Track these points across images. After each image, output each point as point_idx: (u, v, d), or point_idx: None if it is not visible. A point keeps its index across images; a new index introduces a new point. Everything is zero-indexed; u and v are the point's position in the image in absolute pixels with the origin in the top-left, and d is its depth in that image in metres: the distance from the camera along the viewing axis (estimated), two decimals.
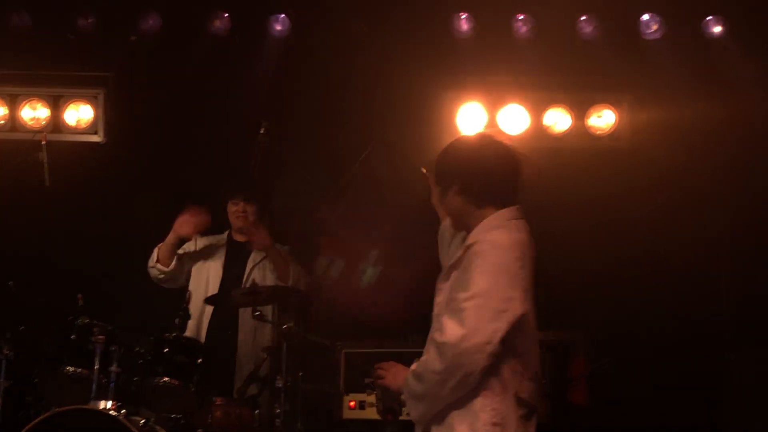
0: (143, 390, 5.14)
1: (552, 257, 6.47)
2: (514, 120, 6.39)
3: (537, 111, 6.40)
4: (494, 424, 3.21)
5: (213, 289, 5.93)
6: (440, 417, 3.27)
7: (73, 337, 5.12)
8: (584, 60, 6.31)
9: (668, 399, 6.21)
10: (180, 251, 5.98)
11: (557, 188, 6.50)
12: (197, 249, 6.06)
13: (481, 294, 3.20)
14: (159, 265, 5.90)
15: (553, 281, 6.47)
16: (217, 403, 5.28)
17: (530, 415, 3.30)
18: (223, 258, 6.02)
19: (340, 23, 6.42)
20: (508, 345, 3.21)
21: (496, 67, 6.40)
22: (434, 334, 3.27)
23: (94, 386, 4.98)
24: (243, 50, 6.53)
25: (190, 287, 5.90)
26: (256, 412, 5.36)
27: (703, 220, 6.47)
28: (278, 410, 5.25)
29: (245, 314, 5.80)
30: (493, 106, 6.41)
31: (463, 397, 3.23)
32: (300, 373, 5.55)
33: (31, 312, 5.66)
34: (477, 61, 6.37)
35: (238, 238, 6.07)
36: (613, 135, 6.35)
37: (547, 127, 6.40)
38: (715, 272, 6.56)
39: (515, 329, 3.20)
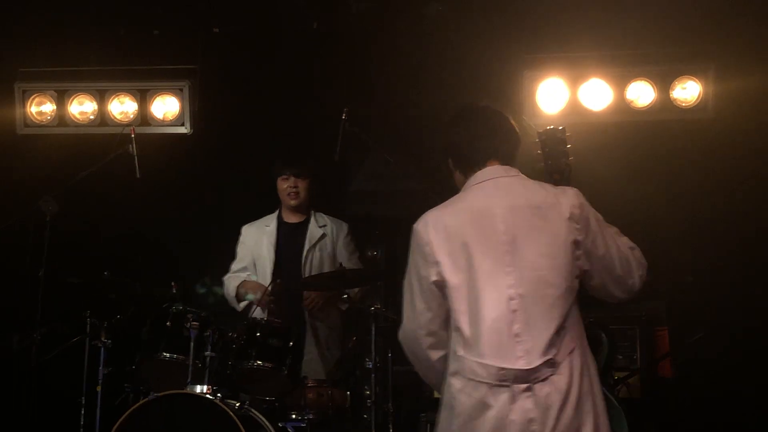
0: (237, 374, 5.25)
1: (638, 231, 6.47)
2: (596, 95, 6.32)
3: (619, 85, 6.30)
4: (445, 406, 3.22)
5: (266, 274, 5.84)
6: None
7: (168, 324, 5.25)
8: (665, 31, 6.20)
9: (755, 370, 6.10)
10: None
11: (642, 162, 6.45)
12: (246, 242, 5.99)
13: (405, 283, 3.32)
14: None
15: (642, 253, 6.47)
16: (310, 385, 5.37)
17: (485, 391, 3.09)
18: (273, 243, 5.89)
19: (419, 4, 6.42)
20: (452, 323, 3.20)
21: (577, 43, 6.33)
22: None
23: (190, 371, 5.10)
24: (323, 37, 6.58)
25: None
26: (348, 393, 5.43)
27: None
28: (369, 391, 5.31)
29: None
30: (574, 82, 6.34)
31: None
32: (389, 354, 5.62)
33: (126, 301, 5.82)
34: (557, 37, 6.31)
35: (289, 218, 5.97)
36: (699, 107, 6.23)
37: (631, 102, 6.31)
38: None
39: (447, 301, 3.19)
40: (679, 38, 6.25)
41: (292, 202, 5.89)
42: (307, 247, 5.87)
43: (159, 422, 4.92)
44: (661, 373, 5.61)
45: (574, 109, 6.35)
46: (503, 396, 3.07)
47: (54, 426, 6.05)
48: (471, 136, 3.35)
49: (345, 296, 5.57)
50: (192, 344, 5.13)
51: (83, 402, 5.55)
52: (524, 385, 3.06)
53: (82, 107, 6.56)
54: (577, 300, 3.17)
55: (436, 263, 3.19)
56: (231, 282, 5.89)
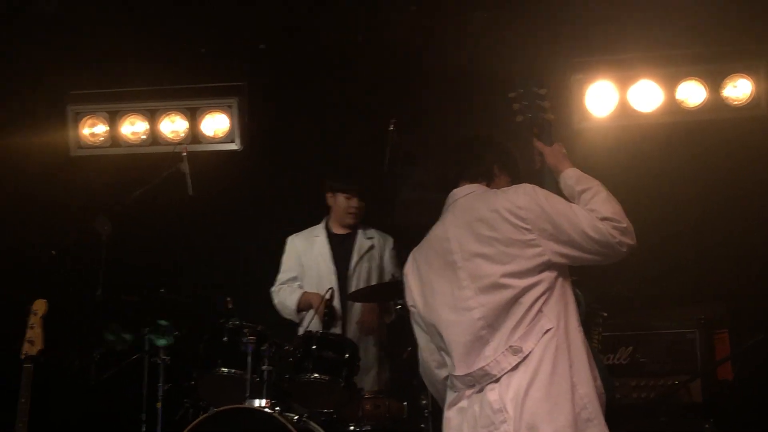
0: (295, 387, 5.27)
1: (693, 233, 6.40)
2: (646, 96, 6.26)
3: (669, 86, 6.24)
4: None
5: (326, 284, 5.81)
6: None
7: (225, 339, 5.29)
8: (714, 29, 6.12)
9: None
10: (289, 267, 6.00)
11: (695, 163, 6.36)
12: (294, 252, 6.00)
13: None
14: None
15: (698, 256, 6.39)
16: (367, 396, 5.38)
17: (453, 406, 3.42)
18: (328, 253, 5.92)
19: (463, 13, 6.41)
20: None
21: (625, 45, 6.28)
22: None
23: (248, 385, 5.13)
24: (368, 49, 6.59)
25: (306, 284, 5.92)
26: (405, 403, 5.42)
27: None
28: (425, 401, 5.30)
29: (353, 309, 5.81)
30: (623, 84, 6.30)
31: None
32: None
33: (183, 317, 5.87)
34: (604, 39, 6.26)
35: (338, 230, 5.99)
36: (752, 104, 6.14)
37: (681, 102, 6.24)
38: None
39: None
40: (728, 36, 6.16)
41: (352, 221, 5.93)
42: (355, 258, 5.91)
43: None
44: (721, 376, 5.52)
45: (624, 111, 6.31)
46: (474, 396, 3.32)
47: None
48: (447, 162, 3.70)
49: (399, 305, 5.55)
50: (249, 359, 5.16)
51: (144, 419, 5.60)
52: (490, 383, 3.27)
53: (133, 127, 6.65)
54: (559, 284, 3.30)
55: (409, 289, 3.56)
56: (288, 294, 5.91)
